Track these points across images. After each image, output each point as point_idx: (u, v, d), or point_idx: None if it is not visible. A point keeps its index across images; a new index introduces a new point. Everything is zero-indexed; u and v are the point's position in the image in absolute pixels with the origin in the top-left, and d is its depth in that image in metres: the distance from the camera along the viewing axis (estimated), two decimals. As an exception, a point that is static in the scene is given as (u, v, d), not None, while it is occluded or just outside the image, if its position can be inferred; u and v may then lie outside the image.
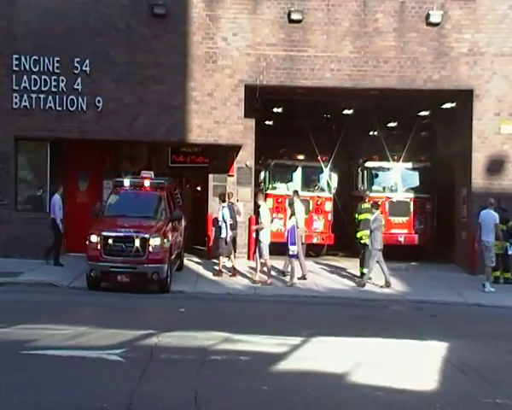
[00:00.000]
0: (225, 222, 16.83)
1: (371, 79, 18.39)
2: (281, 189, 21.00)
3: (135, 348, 9.57)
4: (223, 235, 16.86)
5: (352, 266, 18.97)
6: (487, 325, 12.96)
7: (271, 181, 21.21)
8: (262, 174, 21.26)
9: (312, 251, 21.19)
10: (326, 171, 21.33)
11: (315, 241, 20.79)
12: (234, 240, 17.45)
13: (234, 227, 17.14)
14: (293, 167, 21.33)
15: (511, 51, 18.35)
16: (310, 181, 21.38)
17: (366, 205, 17.54)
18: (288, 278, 16.48)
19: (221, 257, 17.02)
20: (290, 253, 16.16)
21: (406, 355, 10.00)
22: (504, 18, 18.36)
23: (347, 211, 22.61)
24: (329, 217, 21.14)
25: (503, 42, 18.36)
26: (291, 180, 21.36)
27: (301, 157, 21.27)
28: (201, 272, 17.49)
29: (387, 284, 16.33)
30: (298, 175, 21.36)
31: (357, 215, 17.56)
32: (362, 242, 17.22)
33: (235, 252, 17.43)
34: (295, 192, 17.70)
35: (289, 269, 16.51)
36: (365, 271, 17.13)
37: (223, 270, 16.98)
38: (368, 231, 17.15)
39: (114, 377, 8.19)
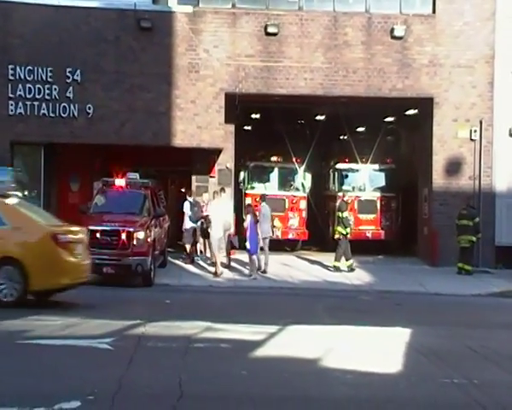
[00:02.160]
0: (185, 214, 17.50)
1: (341, 87, 18.47)
2: (259, 188, 21.02)
3: (123, 337, 9.50)
4: (184, 226, 17.38)
5: (325, 259, 19.06)
6: (446, 312, 13.08)
7: (250, 181, 21.20)
8: (241, 175, 21.23)
9: (288, 246, 21.24)
10: (300, 172, 21.36)
11: (290, 236, 20.82)
12: (195, 232, 17.76)
13: (193, 221, 17.56)
14: (270, 169, 21.35)
15: (467, 63, 18.54)
16: (285, 181, 21.41)
17: (337, 203, 17.84)
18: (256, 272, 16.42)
19: (187, 245, 17.56)
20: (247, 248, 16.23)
21: (373, 341, 10.05)
22: (460, 33, 18.55)
23: (320, 209, 22.71)
24: (304, 214, 21.20)
25: (460, 55, 18.55)
26: (268, 181, 21.35)
27: (278, 159, 21.31)
28: (185, 266, 17.42)
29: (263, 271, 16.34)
30: (274, 176, 21.38)
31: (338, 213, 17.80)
32: (335, 237, 17.52)
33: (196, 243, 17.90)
34: (220, 191, 17.46)
35: (257, 263, 16.50)
36: (349, 263, 17.25)
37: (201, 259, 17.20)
38: (337, 227, 17.38)
39: (104, 365, 8.12)
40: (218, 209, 16.70)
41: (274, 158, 21.38)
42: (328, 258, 19.21)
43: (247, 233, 16.24)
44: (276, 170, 21.37)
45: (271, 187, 21.23)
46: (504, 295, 15.12)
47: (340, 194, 19.01)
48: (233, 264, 17.33)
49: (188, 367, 8.07)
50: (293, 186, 21.44)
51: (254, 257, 16.25)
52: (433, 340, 10.13)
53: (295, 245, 21.38)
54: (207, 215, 17.05)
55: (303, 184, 21.48)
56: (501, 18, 18.52)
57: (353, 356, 8.96)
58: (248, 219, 16.42)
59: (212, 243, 16.48)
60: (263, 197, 18.10)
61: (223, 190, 17.55)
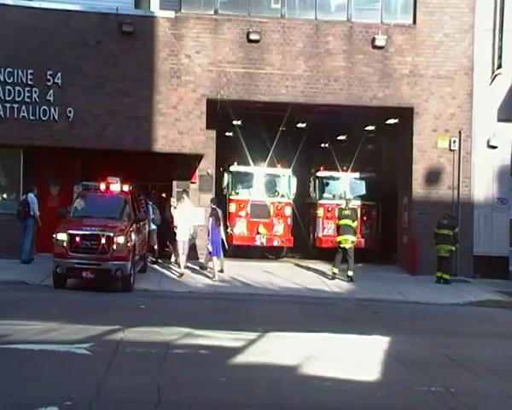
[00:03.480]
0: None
1: (322, 95, 18.59)
2: (243, 194, 20.85)
3: (102, 342, 9.46)
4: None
5: (307, 266, 19.14)
6: (425, 321, 13.20)
7: (234, 187, 20.99)
8: (225, 180, 21.00)
9: (272, 254, 20.89)
10: (285, 178, 21.13)
11: (275, 244, 20.53)
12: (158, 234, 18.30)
13: (155, 223, 18.00)
14: (254, 174, 21.08)
15: (446, 74, 18.78)
16: (270, 187, 21.18)
17: (346, 212, 17.48)
18: (210, 274, 16.62)
19: (155, 247, 18.17)
20: (209, 250, 16.46)
21: (352, 349, 10.12)
22: (440, 44, 18.79)
23: (302, 216, 22.69)
24: (289, 221, 20.92)
25: (440, 65, 18.78)
26: (253, 186, 21.08)
27: (262, 165, 20.97)
28: (165, 272, 17.38)
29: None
30: (259, 181, 21.08)
31: (337, 221, 17.37)
32: (341, 246, 17.10)
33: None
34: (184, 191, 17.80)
35: (210, 265, 16.78)
36: (336, 270, 17.10)
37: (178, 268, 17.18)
38: (347, 236, 17.01)
39: (82, 370, 8.09)
40: (183, 213, 16.98)
41: (259, 163, 21.12)
42: (311, 265, 19.33)
43: (209, 236, 16.39)
44: (260, 175, 21.13)
45: (256, 193, 20.96)
46: (482, 304, 15.29)
47: (343, 203, 18.81)
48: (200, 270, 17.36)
49: (166, 373, 8.07)
50: (278, 192, 21.19)
51: (215, 259, 16.38)
52: (411, 348, 10.23)
53: (280, 253, 21.09)
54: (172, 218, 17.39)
55: (288, 191, 21.22)
56: (479, 30, 18.81)
57: (332, 364, 9.02)
58: (210, 221, 16.54)
59: (178, 245, 16.89)
60: (213, 200, 18.03)
61: (185, 192, 17.78)
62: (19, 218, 17.02)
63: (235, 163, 21.13)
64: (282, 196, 21.07)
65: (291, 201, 21.19)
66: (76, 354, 8.76)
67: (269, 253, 20.94)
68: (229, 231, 20.10)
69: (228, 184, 21.04)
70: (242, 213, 20.47)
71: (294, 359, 9.01)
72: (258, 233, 20.28)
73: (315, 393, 7.67)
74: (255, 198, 20.75)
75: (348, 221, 17.23)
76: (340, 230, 17.34)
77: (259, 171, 21.03)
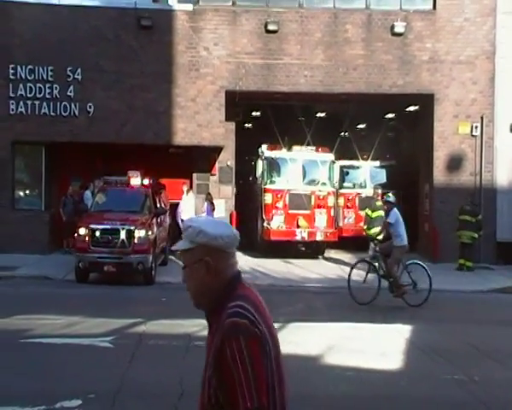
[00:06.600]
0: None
1: (341, 84, 18.44)
2: (280, 183, 18.47)
3: (124, 335, 9.52)
4: None
5: (328, 256, 19.02)
6: (447, 309, 13.06)
7: (269, 175, 18.59)
8: (259, 168, 18.73)
9: (311, 249, 18.67)
10: (327, 164, 18.85)
11: (318, 238, 18.16)
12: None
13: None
14: (292, 161, 18.59)
15: (467, 59, 18.49)
16: (310, 175, 18.75)
17: (379, 203, 16.78)
18: None
19: None
20: None
21: (374, 338, 10.05)
22: (460, 29, 18.50)
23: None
24: (332, 212, 18.50)
25: (460, 51, 18.50)
26: (290, 174, 18.57)
27: (300, 150, 18.67)
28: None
29: None
30: (298, 169, 18.62)
31: (370, 212, 16.35)
32: (378, 238, 15.67)
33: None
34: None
35: None
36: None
37: None
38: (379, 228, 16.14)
39: (106, 363, 8.15)
40: (189, 202, 17.99)
41: (297, 149, 18.58)
42: (331, 254, 19.16)
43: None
44: (299, 162, 18.44)
45: (295, 181, 18.38)
46: (505, 291, 15.07)
47: (342, 191, 18.40)
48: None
49: (189, 365, 8.06)
50: (318, 180, 18.60)
51: None
52: (433, 337, 10.13)
53: (320, 248, 18.67)
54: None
55: (330, 178, 18.85)
56: (501, 13, 18.47)
57: (354, 353, 8.96)
58: (205, 206, 16.82)
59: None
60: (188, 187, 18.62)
61: (191, 188, 18.79)
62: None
63: (270, 149, 18.68)
64: (324, 183, 18.66)
65: (334, 189, 19.04)
66: (99, 348, 8.82)
67: (309, 249, 18.77)
68: (265, 225, 18.05)
69: (262, 173, 18.55)
70: (280, 204, 18.11)
71: (316, 349, 8.98)
72: (298, 227, 17.97)
73: (337, 382, 7.62)
74: (294, 187, 18.27)
75: (381, 212, 16.66)
76: (374, 222, 16.29)
77: (299, 156, 18.46)
